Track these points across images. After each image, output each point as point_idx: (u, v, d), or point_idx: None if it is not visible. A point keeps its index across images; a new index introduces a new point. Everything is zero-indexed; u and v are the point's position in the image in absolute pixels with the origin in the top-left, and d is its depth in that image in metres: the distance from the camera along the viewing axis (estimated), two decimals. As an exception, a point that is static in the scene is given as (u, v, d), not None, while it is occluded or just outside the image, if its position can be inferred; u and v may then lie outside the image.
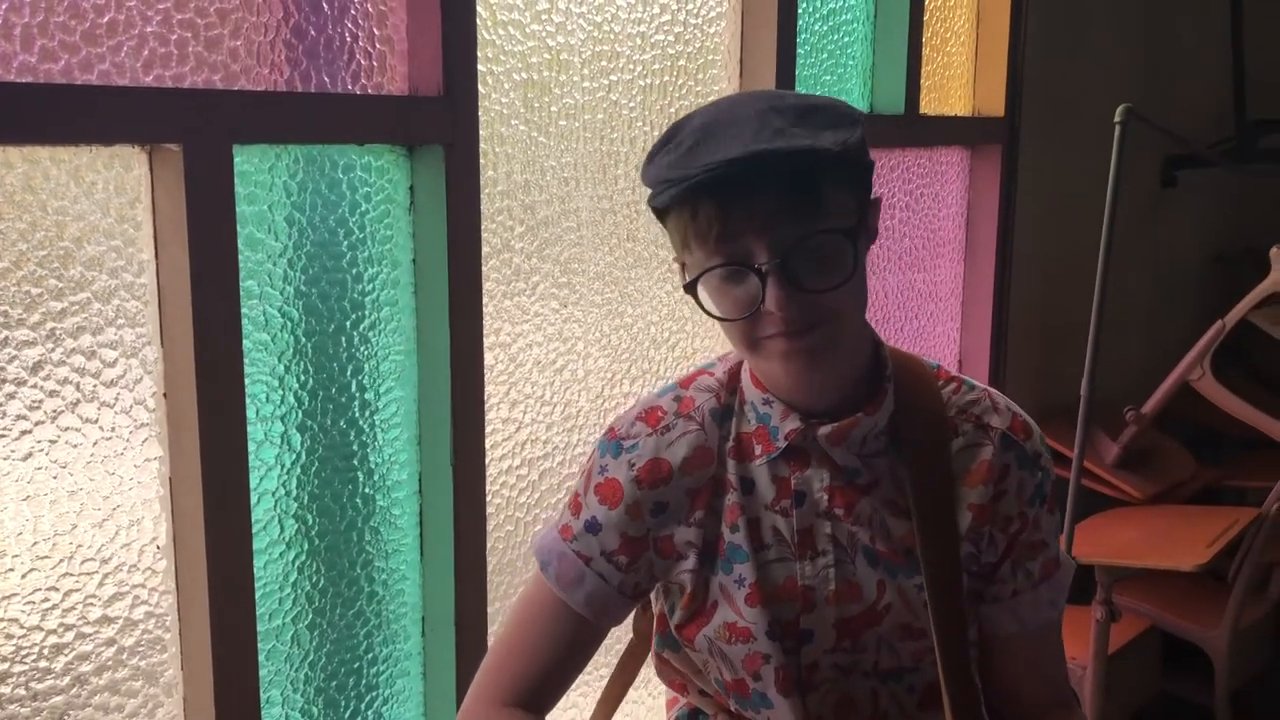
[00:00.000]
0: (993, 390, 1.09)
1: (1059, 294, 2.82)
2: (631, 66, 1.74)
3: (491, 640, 1.69)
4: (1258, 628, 2.68)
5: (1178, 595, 2.56)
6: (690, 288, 0.98)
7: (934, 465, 1.02)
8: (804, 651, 1.03)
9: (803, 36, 1.95)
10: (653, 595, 1.15)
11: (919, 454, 1.02)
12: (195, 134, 1.19)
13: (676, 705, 1.20)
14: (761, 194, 0.92)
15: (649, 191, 0.99)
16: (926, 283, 2.54)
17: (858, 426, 1.02)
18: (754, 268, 0.93)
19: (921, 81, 2.30)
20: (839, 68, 2.12)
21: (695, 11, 1.82)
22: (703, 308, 0.98)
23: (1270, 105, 3.36)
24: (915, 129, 2.33)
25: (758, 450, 1.04)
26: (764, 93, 1.00)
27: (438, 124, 1.42)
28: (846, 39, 2.12)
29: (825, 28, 2.07)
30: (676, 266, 1.04)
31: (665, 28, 1.78)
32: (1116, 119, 2.07)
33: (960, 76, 2.50)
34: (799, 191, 0.93)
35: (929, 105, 2.40)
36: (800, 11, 1.91)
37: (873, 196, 1.01)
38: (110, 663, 1.26)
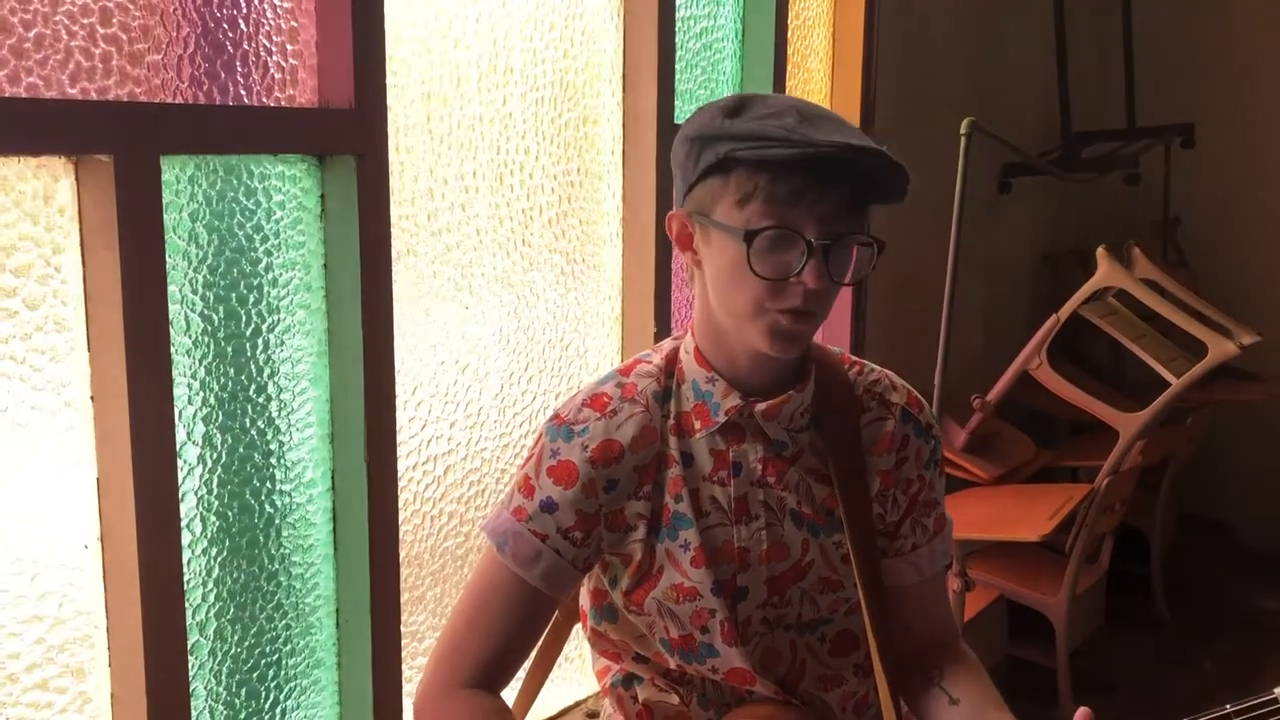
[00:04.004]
0: (888, 371, 1.24)
1: (908, 293, 3.03)
2: (524, 80, 1.84)
3: (427, 626, 1.76)
4: (1091, 593, 2.95)
5: (1022, 567, 2.80)
6: (749, 237, 1.03)
7: (848, 437, 1.16)
8: (739, 608, 1.15)
9: (679, 54, 2.08)
10: (586, 574, 1.22)
11: (836, 427, 1.16)
12: (126, 145, 1.24)
13: (610, 673, 1.27)
14: (845, 184, 1.03)
15: (693, 147, 1.06)
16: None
17: (789, 403, 1.14)
18: (808, 240, 1.03)
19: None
20: (711, 83, 2.25)
21: (582, 29, 1.93)
22: (750, 263, 1.03)
23: (1090, 119, 3.68)
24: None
25: (697, 426, 1.15)
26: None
27: (350, 135, 1.49)
28: (718, 56, 2.26)
29: (699, 45, 2.20)
30: (694, 227, 1.10)
31: (555, 44, 1.88)
32: (963, 130, 2.27)
33: (819, 91, 2.67)
34: (867, 196, 1.05)
35: (791, 117, 2.55)
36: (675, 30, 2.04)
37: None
38: (40, 660, 1.29)
